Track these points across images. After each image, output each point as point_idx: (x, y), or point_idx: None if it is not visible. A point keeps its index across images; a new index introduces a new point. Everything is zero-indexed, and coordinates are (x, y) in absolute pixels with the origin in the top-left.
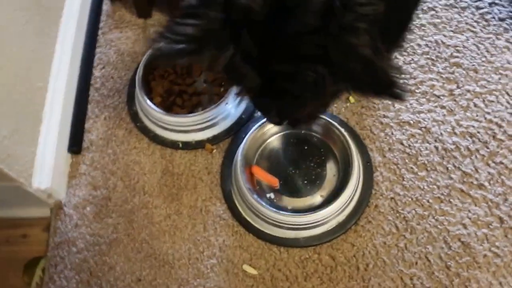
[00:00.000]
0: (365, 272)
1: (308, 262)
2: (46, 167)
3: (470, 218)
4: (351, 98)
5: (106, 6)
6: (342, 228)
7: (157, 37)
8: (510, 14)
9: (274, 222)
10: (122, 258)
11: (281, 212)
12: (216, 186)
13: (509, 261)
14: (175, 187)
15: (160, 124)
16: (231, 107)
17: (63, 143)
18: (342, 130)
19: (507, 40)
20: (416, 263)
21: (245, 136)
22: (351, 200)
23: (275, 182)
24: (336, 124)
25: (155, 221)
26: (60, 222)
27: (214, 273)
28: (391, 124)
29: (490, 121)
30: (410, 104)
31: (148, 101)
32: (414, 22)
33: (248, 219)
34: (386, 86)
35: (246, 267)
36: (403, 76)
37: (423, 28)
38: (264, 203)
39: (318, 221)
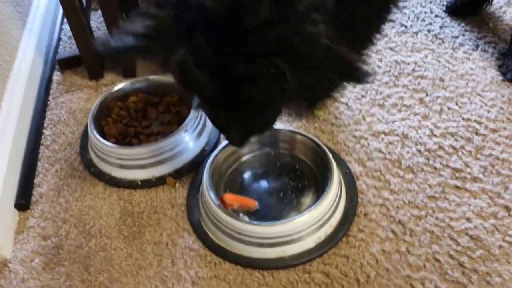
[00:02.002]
0: (366, 284)
1: (298, 284)
2: None
3: (472, 211)
4: (316, 112)
5: (56, 77)
6: (332, 240)
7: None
8: (462, 32)
9: (253, 240)
10: None
11: (257, 222)
12: (183, 219)
13: None
14: (136, 226)
15: (115, 162)
16: (189, 140)
17: (8, 198)
18: (315, 138)
19: (465, 52)
20: (424, 265)
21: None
22: (335, 208)
23: (253, 203)
24: (304, 133)
25: (115, 263)
26: (4, 280)
27: None
28: (365, 136)
29: (468, 119)
30: (381, 116)
31: (101, 139)
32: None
33: (222, 245)
34: (350, 70)
35: None
36: (366, 61)
37: (379, 52)
38: (238, 217)
39: (302, 231)
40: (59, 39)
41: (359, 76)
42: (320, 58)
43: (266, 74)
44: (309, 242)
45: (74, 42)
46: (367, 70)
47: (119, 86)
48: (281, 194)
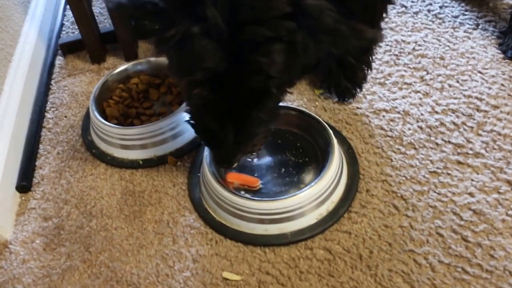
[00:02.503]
0: (369, 260)
1: (300, 260)
2: None
3: (475, 186)
4: (317, 91)
5: (58, 61)
6: (333, 216)
7: None
8: (462, 11)
9: (254, 217)
10: (77, 287)
11: (258, 198)
12: (184, 197)
13: None
14: (137, 205)
15: (117, 142)
16: None
17: (9, 180)
18: (315, 115)
19: (465, 31)
20: (427, 240)
21: None
22: (337, 184)
23: (255, 181)
24: (304, 110)
25: (116, 242)
26: (4, 261)
27: (189, 287)
28: (367, 113)
29: (470, 96)
30: (382, 94)
31: (103, 120)
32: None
33: (223, 222)
34: (361, 33)
35: (226, 274)
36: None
37: None
38: (238, 193)
39: (303, 207)
40: (62, 24)
41: (371, 38)
42: (331, 24)
43: (278, 38)
44: (311, 218)
45: (76, 27)
46: (377, 34)
47: (121, 68)
48: (282, 171)
